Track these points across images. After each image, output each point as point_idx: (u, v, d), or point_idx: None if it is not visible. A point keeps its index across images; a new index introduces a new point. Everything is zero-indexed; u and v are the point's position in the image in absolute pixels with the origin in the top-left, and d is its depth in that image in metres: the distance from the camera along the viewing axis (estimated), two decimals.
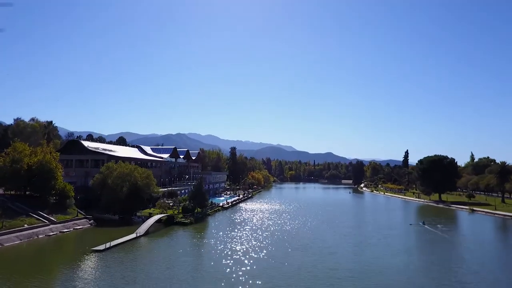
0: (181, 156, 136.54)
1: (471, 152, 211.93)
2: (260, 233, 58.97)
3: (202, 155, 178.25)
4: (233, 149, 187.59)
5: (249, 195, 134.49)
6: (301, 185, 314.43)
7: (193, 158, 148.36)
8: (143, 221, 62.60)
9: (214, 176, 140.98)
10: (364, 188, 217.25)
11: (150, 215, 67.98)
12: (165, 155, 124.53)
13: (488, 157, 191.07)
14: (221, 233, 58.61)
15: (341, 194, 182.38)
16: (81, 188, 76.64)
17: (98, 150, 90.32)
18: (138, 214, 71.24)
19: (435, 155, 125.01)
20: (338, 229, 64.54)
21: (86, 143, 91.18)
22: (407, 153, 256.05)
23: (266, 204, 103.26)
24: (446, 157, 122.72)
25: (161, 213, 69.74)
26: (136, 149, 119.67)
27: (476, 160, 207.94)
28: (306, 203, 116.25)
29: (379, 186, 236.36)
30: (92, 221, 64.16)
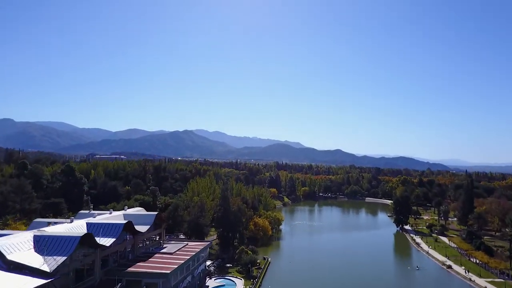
0: (111, 241, 68.67)
1: None
2: None
3: (171, 209, 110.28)
4: (224, 191, 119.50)
5: None
6: (316, 213, 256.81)
7: (143, 231, 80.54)
8: None
9: (178, 272, 73.06)
10: (422, 245, 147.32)
11: None
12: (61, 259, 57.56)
13: None
14: None
15: (403, 272, 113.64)
16: None
17: None
18: None
19: None
20: None
21: None
22: (472, 183, 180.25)
23: None
24: None
25: None
26: None
27: None
28: None
29: (435, 233, 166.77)
30: None
